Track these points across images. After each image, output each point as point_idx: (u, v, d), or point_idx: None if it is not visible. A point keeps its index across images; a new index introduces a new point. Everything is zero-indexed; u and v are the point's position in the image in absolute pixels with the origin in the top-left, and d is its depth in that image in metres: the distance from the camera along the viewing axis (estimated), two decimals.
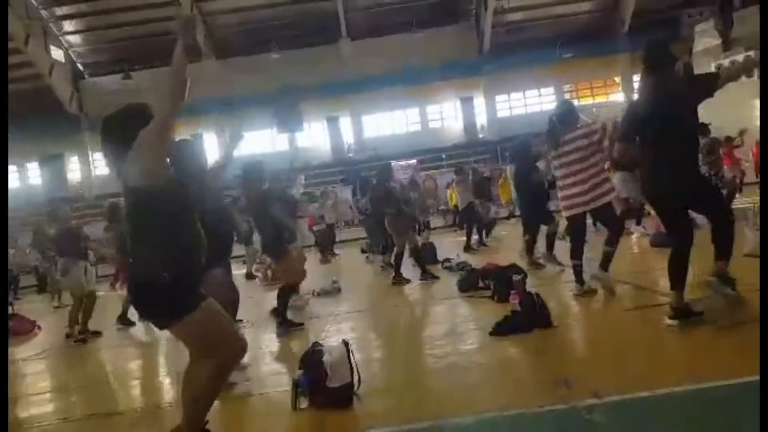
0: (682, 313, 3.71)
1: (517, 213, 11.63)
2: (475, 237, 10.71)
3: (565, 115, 5.19)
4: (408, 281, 7.43)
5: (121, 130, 2.51)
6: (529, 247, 7.25)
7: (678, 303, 3.74)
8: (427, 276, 7.39)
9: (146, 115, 2.49)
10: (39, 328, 8.19)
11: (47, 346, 7.02)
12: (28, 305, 10.89)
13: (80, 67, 24.64)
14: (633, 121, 3.90)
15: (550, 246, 6.89)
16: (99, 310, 7.19)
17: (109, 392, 4.52)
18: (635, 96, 4.40)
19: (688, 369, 3.08)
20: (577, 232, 5.28)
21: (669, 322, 3.74)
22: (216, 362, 2.57)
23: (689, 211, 3.95)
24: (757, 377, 2.68)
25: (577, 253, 5.16)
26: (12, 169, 24.22)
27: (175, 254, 2.49)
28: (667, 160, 3.68)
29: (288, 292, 5.62)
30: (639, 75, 4.03)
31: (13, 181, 24.21)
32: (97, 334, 6.81)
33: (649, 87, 3.79)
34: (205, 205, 3.87)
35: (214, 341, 2.56)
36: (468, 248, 10.19)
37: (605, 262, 4.99)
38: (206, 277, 3.71)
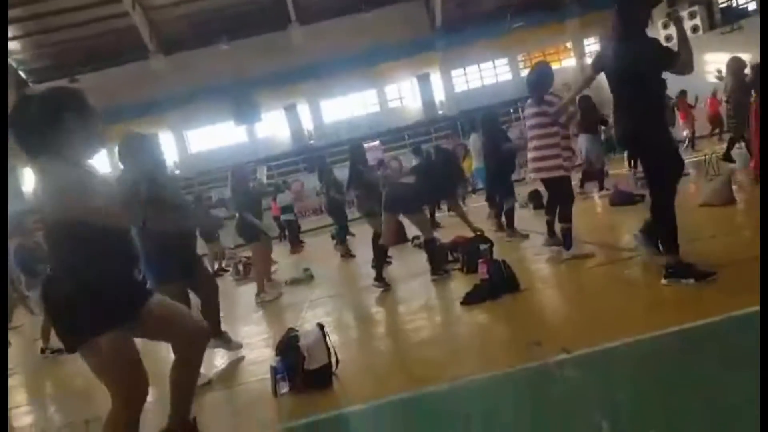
0: (682, 272, 3.53)
1: (479, 186, 11.81)
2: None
3: (539, 77, 5.23)
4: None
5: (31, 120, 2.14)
6: (497, 213, 7.37)
7: (674, 261, 3.58)
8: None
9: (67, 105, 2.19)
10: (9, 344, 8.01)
11: (18, 362, 6.88)
12: None
13: (23, 74, 23.63)
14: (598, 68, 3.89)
15: (509, 221, 7.04)
16: None
17: (86, 399, 4.46)
18: (587, 60, 4.42)
19: (650, 318, 3.21)
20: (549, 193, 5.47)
21: (665, 282, 3.60)
22: (117, 405, 2.23)
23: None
24: (712, 319, 2.87)
25: (550, 209, 5.41)
26: None
27: (94, 266, 2.17)
28: (639, 115, 3.63)
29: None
30: (596, 36, 4.01)
31: None
32: None
33: (625, 43, 3.65)
34: (162, 204, 3.81)
35: (116, 379, 2.21)
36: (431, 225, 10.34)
37: (566, 238, 5.10)
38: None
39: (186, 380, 2.56)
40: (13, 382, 5.75)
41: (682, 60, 3.54)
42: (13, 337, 8.64)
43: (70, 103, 2.21)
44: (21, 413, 4.47)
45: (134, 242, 2.37)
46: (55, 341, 6.55)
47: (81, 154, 2.26)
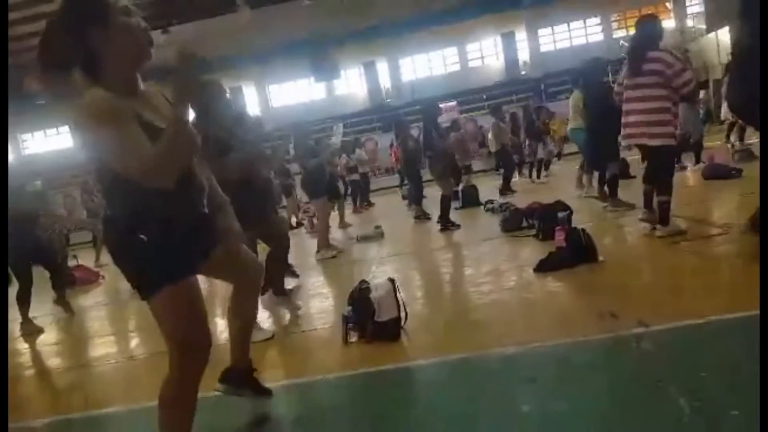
0: None
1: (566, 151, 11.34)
2: (520, 178, 10.60)
3: (648, 32, 4.54)
4: (459, 226, 7.23)
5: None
6: (600, 180, 6.76)
7: None
8: (448, 224, 7.21)
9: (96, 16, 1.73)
10: (103, 278, 8.76)
11: (111, 294, 7.53)
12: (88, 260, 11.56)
13: None
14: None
15: (612, 190, 6.34)
16: None
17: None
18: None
19: (736, 297, 3.02)
20: (650, 162, 4.79)
21: None
22: (180, 355, 1.92)
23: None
24: None
25: (649, 178, 4.79)
26: (52, 132, 25.08)
27: (152, 212, 1.78)
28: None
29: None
30: None
31: (59, 143, 24.97)
32: None
33: None
34: (239, 155, 3.81)
35: (179, 328, 1.90)
36: (504, 190, 10.10)
37: (664, 213, 4.58)
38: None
39: (248, 316, 2.45)
40: (101, 313, 6.32)
41: None
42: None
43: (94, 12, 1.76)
44: (101, 343, 4.89)
45: (197, 171, 1.97)
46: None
47: (117, 75, 1.76)
